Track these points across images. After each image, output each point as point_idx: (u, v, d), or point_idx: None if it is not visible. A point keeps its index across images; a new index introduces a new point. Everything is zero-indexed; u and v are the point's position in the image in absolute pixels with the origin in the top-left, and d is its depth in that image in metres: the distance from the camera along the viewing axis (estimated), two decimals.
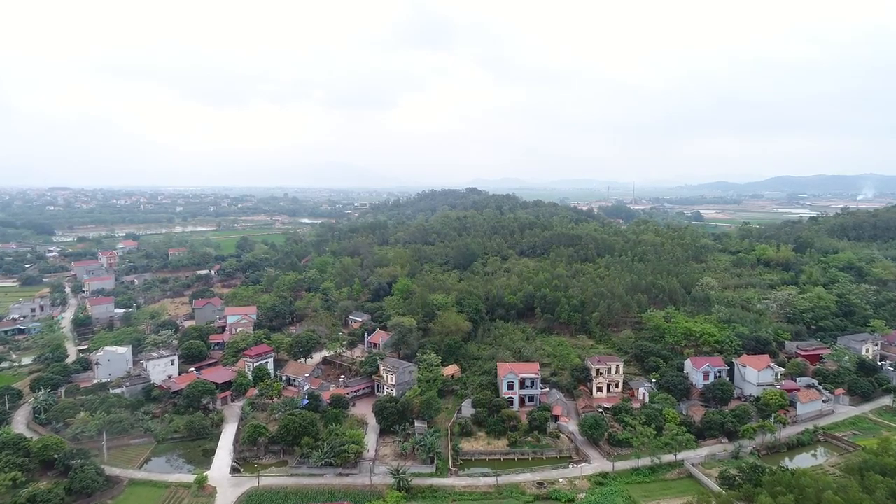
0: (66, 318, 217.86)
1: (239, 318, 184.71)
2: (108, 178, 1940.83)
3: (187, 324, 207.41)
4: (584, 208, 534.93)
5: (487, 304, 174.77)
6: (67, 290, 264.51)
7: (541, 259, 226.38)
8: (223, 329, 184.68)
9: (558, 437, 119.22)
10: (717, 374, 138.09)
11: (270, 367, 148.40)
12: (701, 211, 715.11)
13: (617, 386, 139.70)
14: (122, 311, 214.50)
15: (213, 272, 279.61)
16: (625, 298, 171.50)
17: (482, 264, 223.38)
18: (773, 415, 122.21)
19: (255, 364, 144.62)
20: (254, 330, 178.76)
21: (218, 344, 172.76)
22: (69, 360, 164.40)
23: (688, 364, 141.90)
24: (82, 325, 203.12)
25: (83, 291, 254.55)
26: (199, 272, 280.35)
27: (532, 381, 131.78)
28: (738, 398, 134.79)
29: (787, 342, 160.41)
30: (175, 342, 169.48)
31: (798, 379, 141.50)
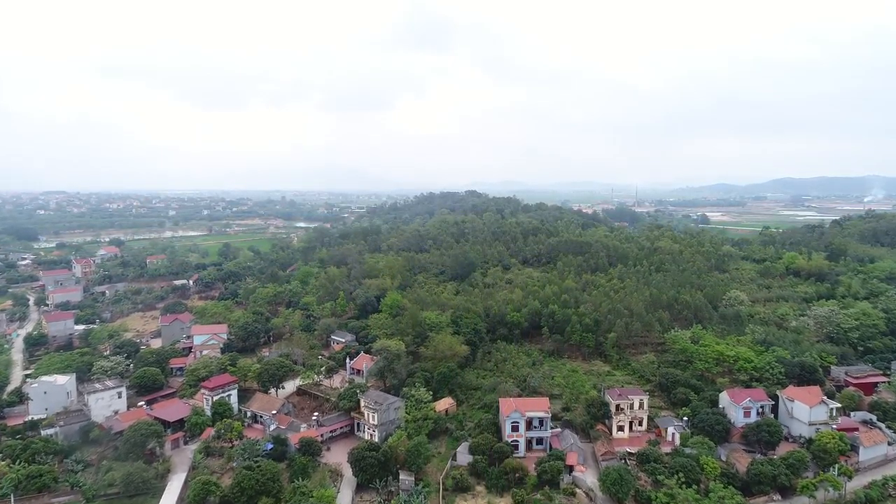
0: (23, 335, 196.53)
1: (207, 339, 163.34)
2: (107, 181, 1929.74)
3: (153, 343, 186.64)
4: (589, 211, 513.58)
5: (488, 321, 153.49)
6: (31, 302, 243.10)
7: (546, 269, 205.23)
8: (189, 351, 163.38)
9: (574, 493, 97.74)
10: (760, 411, 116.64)
11: (234, 400, 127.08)
12: (706, 213, 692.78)
13: (641, 423, 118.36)
14: (82, 327, 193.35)
15: (190, 282, 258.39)
16: (645, 317, 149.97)
17: (482, 274, 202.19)
18: (835, 464, 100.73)
19: (215, 398, 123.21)
20: (223, 353, 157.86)
21: (180, 369, 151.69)
22: (9, 389, 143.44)
23: (724, 397, 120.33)
24: (36, 345, 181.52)
25: (46, 304, 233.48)
26: (175, 282, 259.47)
27: (541, 420, 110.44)
28: (786, 439, 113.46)
29: (832, 367, 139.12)
30: (131, 368, 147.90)
31: (852, 414, 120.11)
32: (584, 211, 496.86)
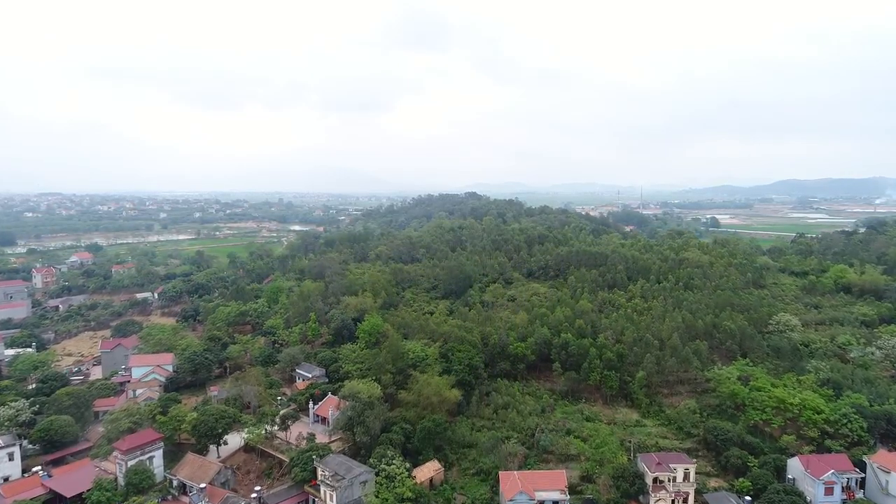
0: None
1: (147, 372, 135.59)
2: (106, 182, 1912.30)
3: (94, 372, 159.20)
4: (596, 214, 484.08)
5: (486, 353, 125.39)
6: None
7: (555, 284, 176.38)
8: (124, 386, 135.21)
9: None
10: (846, 485, 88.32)
11: (157, 463, 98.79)
12: (716, 216, 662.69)
13: (686, 501, 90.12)
14: (13, 352, 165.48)
15: (154, 295, 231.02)
16: (680, 349, 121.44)
17: (480, 291, 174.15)
18: None
19: (131, 462, 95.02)
20: (166, 389, 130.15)
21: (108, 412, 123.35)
22: None
23: (795, 466, 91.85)
24: None
25: None
26: (138, 296, 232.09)
27: None
28: None
29: None
30: (35, 416, 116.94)
31: None
32: (591, 214, 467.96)
